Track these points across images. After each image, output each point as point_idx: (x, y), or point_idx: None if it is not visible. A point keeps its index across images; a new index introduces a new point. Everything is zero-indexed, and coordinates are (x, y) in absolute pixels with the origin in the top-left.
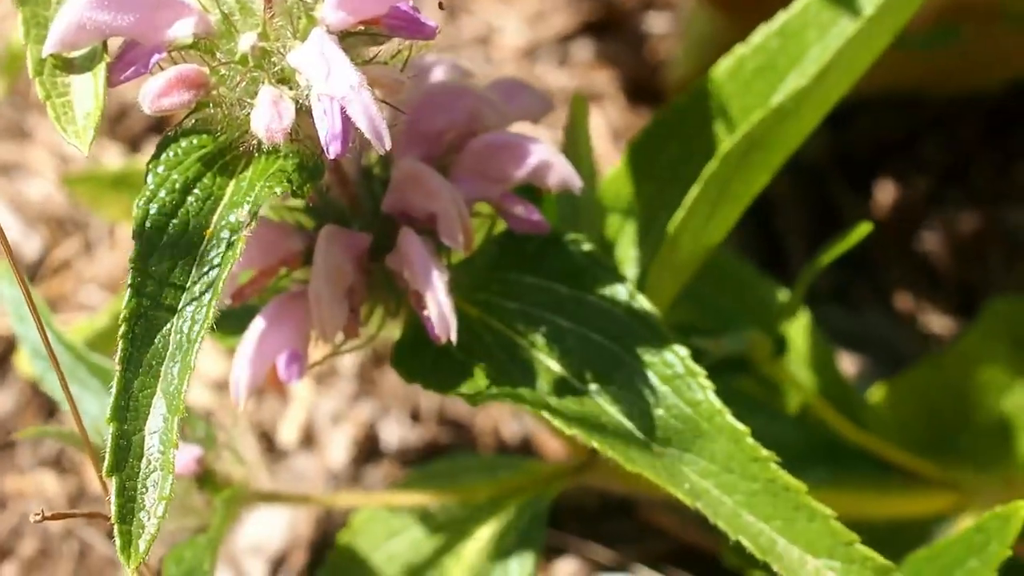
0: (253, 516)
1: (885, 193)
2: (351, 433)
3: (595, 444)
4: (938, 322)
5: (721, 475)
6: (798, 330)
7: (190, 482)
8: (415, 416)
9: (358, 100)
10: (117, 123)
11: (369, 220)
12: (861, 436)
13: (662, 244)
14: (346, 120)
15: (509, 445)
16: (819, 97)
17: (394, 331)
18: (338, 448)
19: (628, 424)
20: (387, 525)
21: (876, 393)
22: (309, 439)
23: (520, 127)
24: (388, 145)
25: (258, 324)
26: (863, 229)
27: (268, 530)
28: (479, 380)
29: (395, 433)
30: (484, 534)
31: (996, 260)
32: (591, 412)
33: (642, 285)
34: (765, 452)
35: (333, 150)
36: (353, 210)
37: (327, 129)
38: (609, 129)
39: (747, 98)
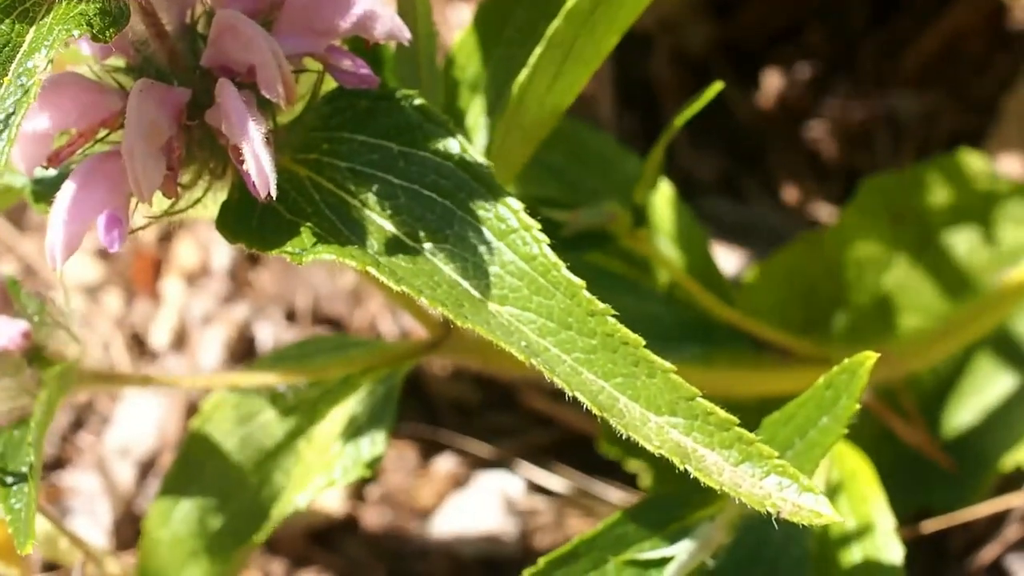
0: (120, 418)
1: (771, 82)
2: (224, 334)
3: (424, 300)
4: (826, 210)
5: (560, 332)
6: (664, 207)
7: (20, 360)
8: (290, 316)
9: None
10: None
11: (190, 76)
12: (729, 313)
13: (508, 104)
14: None
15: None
16: None
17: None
18: (211, 349)
19: (464, 283)
20: (238, 410)
21: (749, 273)
22: (181, 341)
23: None
24: None
25: (71, 183)
26: (715, 87)
27: (136, 431)
28: (305, 239)
29: (270, 333)
30: (337, 415)
31: (883, 146)
32: (425, 270)
33: (490, 151)
34: (602, 305)
35: None
36: (173, 66)
37: None
38: None
39: None
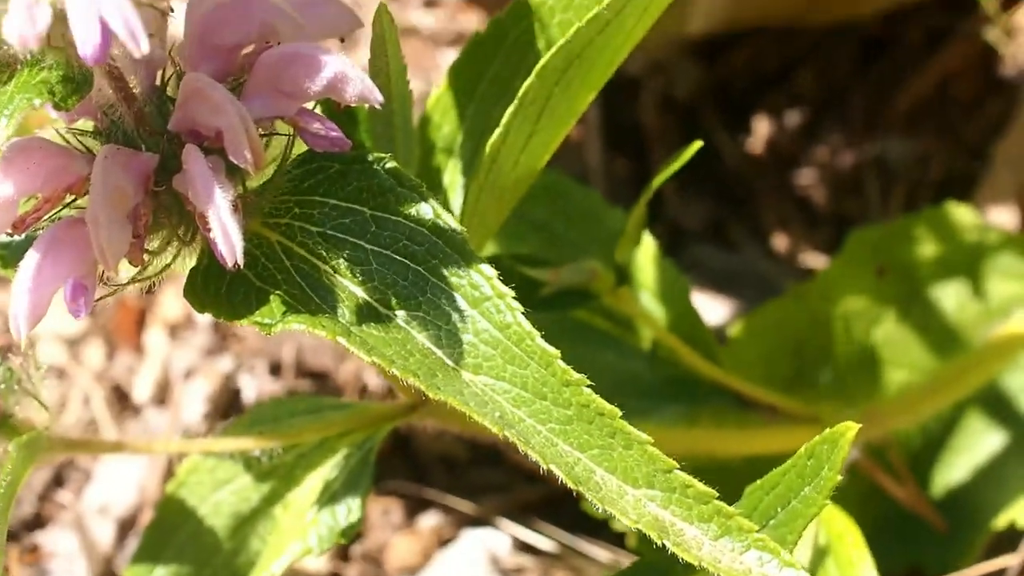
0: (100, 475)
1: (761, 127)
2: (207, 387)
3: (396, 372)
4: (815, 258)
5: (534, 402)
6: (647, 262)
7: None
8: (275, 369)
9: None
10: None
11: (158, 140)
12: (714, 370)
13: (481, 166)
14: (104, 24)
15: (374, 395)
16: (640, 5)
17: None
18: (194, 403)
19: (437, 351)
20: (213, 475)
21: (736, 327)
22: (164, 394)
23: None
24: (145, 48)
25: (34, 252)
26: (695, 146)
27: (116, 489)
28: (275, 308)
29: (254, 386)
30: (313, 480)
31: (873, 192)
32: (397, 339)
33: (466, 212)
34: (577, 376)
35: (89, 55)
36: (141, 130)
37: (81, 32)
38: None
39: (569, 12)
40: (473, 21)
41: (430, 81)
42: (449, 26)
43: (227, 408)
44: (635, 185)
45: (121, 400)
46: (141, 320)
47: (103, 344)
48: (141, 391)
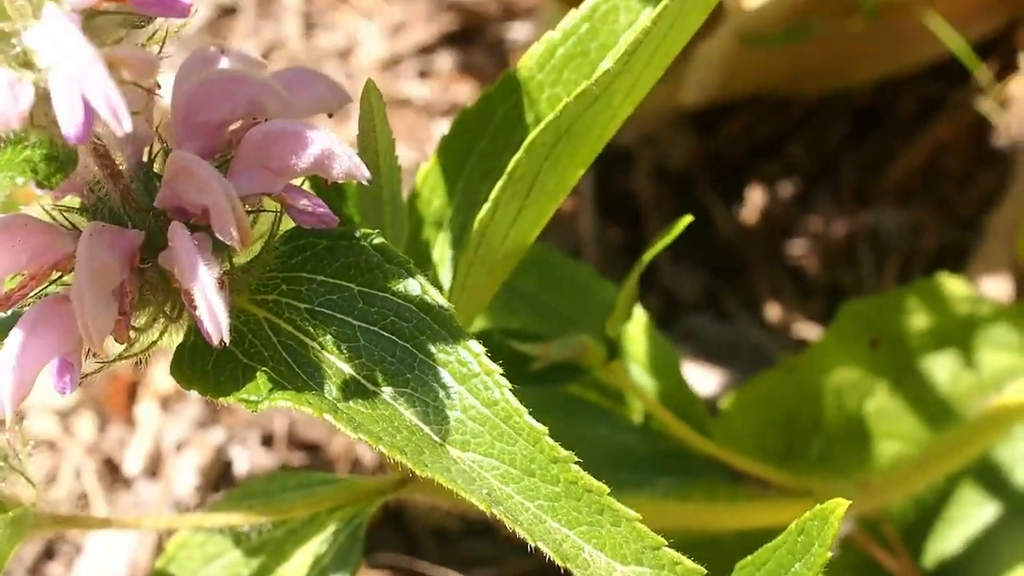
0: (91, 549)
1: (754, 197)
2: (199, 459)
3: (383, 449)
4: (809, 328)
5: (522, 479)
6: (638, 334)
7: None
8: (267, 441)
9: (92, 78)
10: None
11: (144, 217)
12: (705, 444)
13: (470, 241)
14: (87, 103)
15: (365, 467)
16: (628, 82)
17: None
18: (186, 475)
19: (425, 428)
20: (203, 550)
21: (727, 400)
22: (156, 466)
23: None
24: (128, 126)
25: (20, 329)
26: (684, 220)
27: (106, 565)
28: (261, 384)
29: (246, 458)
30: (303, 555)
31: (866, 263)
32: (385, 415)
33: (455, 287)
34: (565, 452)
35: (72, 134)
36: (127, 207)
37: (64, 111)
38: None
39: (557, 87)
40: (466, 92)
41: (424, 151)
42: (443, 97)
43: (219, 480)
44: (629, 255)
45: (112, 472)
46: (133, 392)
47: (94, 416)
48: (132, 463)
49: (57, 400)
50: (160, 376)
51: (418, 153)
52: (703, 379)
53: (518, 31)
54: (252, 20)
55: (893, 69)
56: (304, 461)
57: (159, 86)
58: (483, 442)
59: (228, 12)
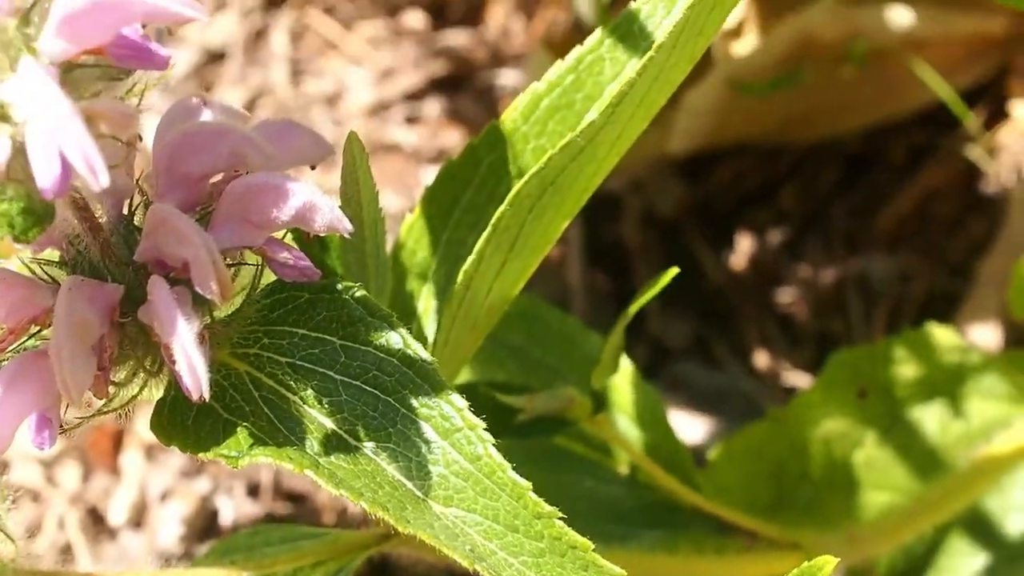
0: None
1: (743, 244)
2: (184, 509)
3: (364, 505)
4: (799, 376)
5: (506, 535)
6: (624, 385)
7: None
8: (252, 491)
9: (68, 133)
10: None
11: (124, 270)
12: (693, 496)
13: (454, 294)
14: (64, 158)
15: (352, 517)
16: (614, 133)
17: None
18: (171, 525)
19: (407, 483)
20: None
21: (715, 451)
22: (141, 516)
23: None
24: (105, 181)
25: None
26: (670, 272)
27: None
28: (242, 439)
29: (231, 508)
30: None
31: (856, 311)
32: (367, 470)
33: (439, 339)
34: (549, 508)
35: (49, 188)
36: (107, 260)
37: (40, 166)
38: None
39: (542, 139)
40: (455, 138)
41: (412, 198)
42: (431, 143)
43: (204, 530)
44: (617, 302)
45: (97, 523)
46: (118, 441)
47: (79, 465)
48: (117, 513)
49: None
50: (145, 425)
51: (406, 199)
52: (692, 427)
53: (507, 77)
54: (240, 66)
55: (883, 116)
56: (290, 511)
57: (140, 138)
58: (466, 497)
59: (216, 58)
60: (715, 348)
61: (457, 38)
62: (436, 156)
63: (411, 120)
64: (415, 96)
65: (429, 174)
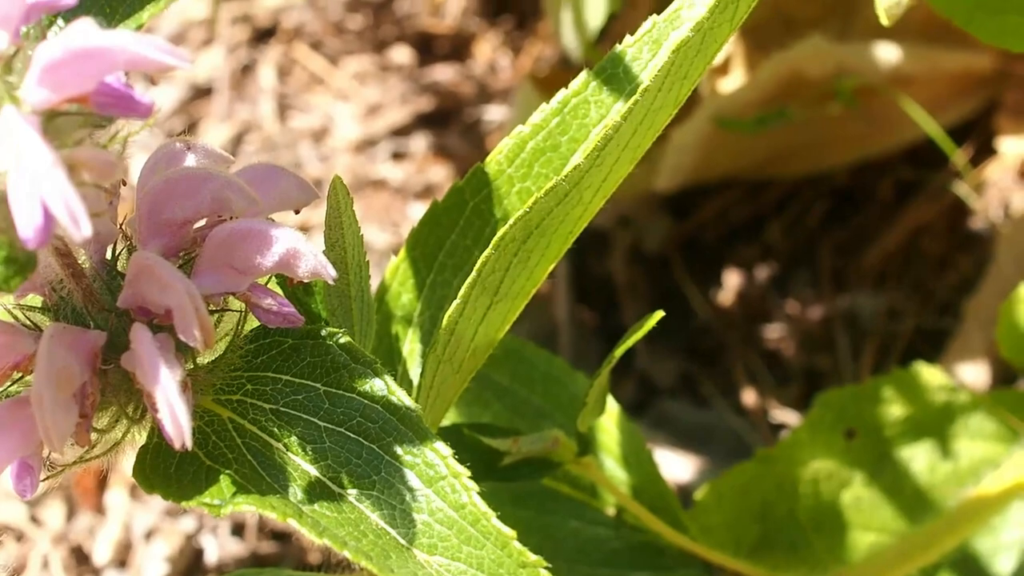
0: None
1: (731, 280)
2: (169, 548)
3: (347, 554)
4: (787, 414)
5: None
6: (610, 426)
7: None
8: (237, 530)
9: (50, 183)
10: None
11: (106, 317)
12: (679, 537)
13: (439, 338)
14: (46, 207)
15: (337, 555)
16: (599, 176)
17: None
18: (155, 565)
19: (391, 531)
20: None
21: (702, 491)
22: (125, 555)
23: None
24: (87, 231)
25: None
26: (656, 316)
27: None
28: (225, 487)
29: (216, 547)
30: None
31: (843, 347)
32: (350, 518)
33: (424, 383)
34: (533, 557)
35: (31, 238)
36: (89, 307)
37: (22, 216)
38: None
39: (527, 182)
40: (441, 173)
41: (399, 233)
42: (417, 178)
43: (189, 570)
44: (604, 337)
45: (81, 562)
46: (103, 479)
47: (63, 504)
48: (102, 552)
49: None
50: (130, 463)
51: (392, 235)
52: (679, 464)
53: (493, 113)
54: (227, 102)
55: (870, 153)
56: (275, 550)
57: (124, 183)
58: (450, 546)
59: (202, 93)
60: (702, 385)
61: (444, 73)
62: (422, 191)
63: (397, 155)
64: (402, 131)
65: (415, 210)
